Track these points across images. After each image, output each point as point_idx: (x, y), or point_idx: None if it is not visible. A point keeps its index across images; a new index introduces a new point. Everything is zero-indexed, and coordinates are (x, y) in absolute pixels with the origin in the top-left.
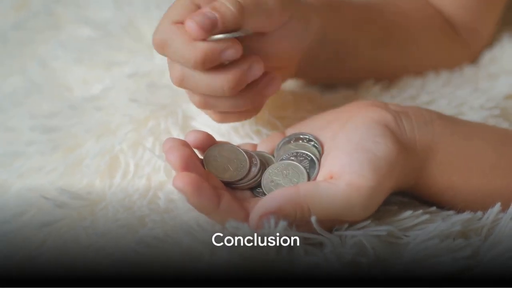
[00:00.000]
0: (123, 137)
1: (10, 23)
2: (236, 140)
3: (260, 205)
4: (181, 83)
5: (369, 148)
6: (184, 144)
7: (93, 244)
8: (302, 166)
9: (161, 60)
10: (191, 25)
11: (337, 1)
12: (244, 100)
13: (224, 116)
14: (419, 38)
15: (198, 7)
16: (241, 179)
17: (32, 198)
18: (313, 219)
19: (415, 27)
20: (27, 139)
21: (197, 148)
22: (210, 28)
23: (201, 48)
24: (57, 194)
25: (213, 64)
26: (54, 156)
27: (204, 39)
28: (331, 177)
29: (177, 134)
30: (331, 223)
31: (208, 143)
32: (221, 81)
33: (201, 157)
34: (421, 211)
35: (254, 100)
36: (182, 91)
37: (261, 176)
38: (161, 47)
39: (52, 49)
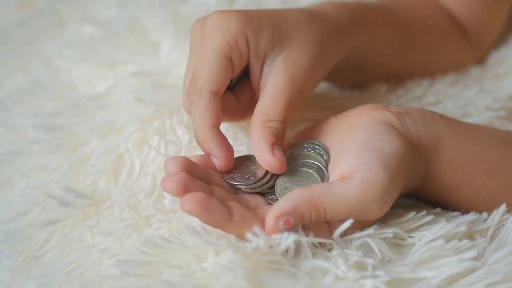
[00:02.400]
0: (128, 136)
1: (13, 21)
2: (242, 139)
3: (276, 207)
4: None
5: (377, 146)
6: (180, 167)
7: (98, 244)
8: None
9: (165, 59)
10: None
11: (357, 11)
12: None
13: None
14: (429, 40)
15: (230, 62)
16: (255, 183)
17: (36, 197)
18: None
19: (425, 30)
20: (31, 138)
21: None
22: None
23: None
24: (62, 192)
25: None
26: (58, 155)
27: None
28: (343, 178)
29: (182, 133)
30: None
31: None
32: None
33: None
34: (425, 212)
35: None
36: None
37: (274, 181)
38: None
39: (56, 48)
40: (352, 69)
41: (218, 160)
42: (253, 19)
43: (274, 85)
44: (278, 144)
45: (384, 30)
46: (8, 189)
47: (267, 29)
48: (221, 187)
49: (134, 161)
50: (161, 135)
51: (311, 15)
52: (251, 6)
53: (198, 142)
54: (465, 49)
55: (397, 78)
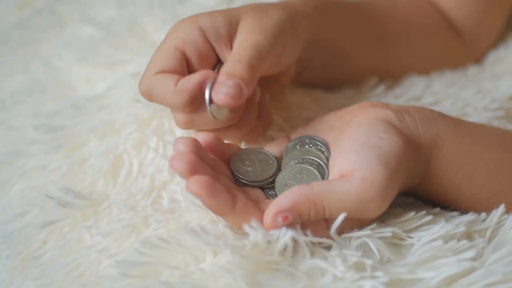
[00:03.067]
0: (127, 137)
1: (13, 21)
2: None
3: (275, 203)
4: (188, 126)
5: (376, 144)
6: (189, 148)
7: (97, 244)
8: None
9: None
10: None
11: (326, 3)
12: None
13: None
14: (419, 36)
15: (183, 54)
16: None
17: (35, 198)
18: (332, 229)
19: (410, 26)
20: (30, 138)
21: (208, 149)
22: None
23: (186, 91)
24: (61, 193)
25: (198, 102)
26: (57, 155)
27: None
28: (343, 176)
29: (181, 134)
30: (344, 224)
31: (218, 144)
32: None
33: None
34: (424, 212)
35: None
36: None
37: (274, 176)
38: (148, 97)
39: (56, 48)
40: (323, 67)
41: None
42: (205, 14)
43: (238, 43)
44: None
45: (350, 22)
46: (7, 189)
47: (221, 15)
48: (225, 176)
49: (132, 161)
50: (159, 136)
51: (275, 3)
52: None
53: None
54: (458, 48)
55: (386, 75)
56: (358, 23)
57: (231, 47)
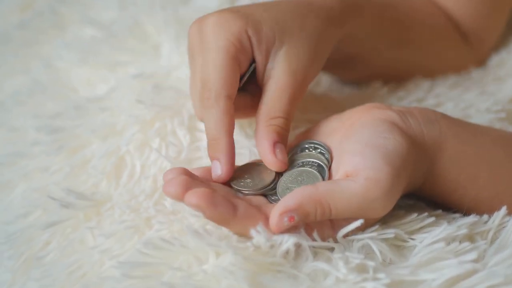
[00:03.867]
0: (129, 138)
1: (14, 22)
2: (243, 141)
3: (280, 204)
4: None
5: (380, 144)
6: (181, 172)
7: (99, 245)
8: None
9: (166, 61)
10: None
11: (356, 5)
12: None
13: None
14: (428, 40)
15: (239, 64)
16: (261, 188)
17: (37, 199)
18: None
19: (424, 29)
20: (31, 139)
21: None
22: None
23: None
24: (63, 194)
25: None
26: (59, 156)
27: None
28: (348, 177)
29: (183, 134)
30: (348, 223)
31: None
32: None
33: None
34: (426, 213)
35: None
36: (187, 92)
37: (276, 183)
38: (200, 119)
39: (57, 49)
40: (344, 63)
41: (222, 167)
42: (250, 16)
43: (276, 81)
44: (281, 143)
45: (377, 23)
46: (9, 190)
47: (266, 23)
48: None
49: (135, 163)
50: (162, 137)
51: (305, 4)
52: None
53: (210, 146)
54: (464, 51)
55: (394, 76)
56: (380, 24)
57: (267, 57)
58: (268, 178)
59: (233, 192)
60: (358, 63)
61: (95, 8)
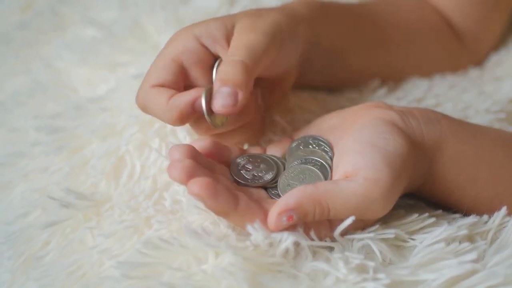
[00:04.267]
0: (129, 138)
1: (15, 23)
2: None
3: (279, 203)
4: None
5: (380, 145)
6: (185, 155)
7: (99, 245)
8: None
9: None
10: None
11: (326, 7)
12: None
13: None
14: (420, 40)
15: (180, 65)
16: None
17: (37, 199)
18: (336, 231)
19: (415, 30)
20: (31, 140)
21: (207, 155)
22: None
23: (176, 109)
24: (63, 194)
25: (191, 118)
26: (59, 156)
27: None
28: (347, 177)
29: (184, 135)
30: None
31: (216, 148)
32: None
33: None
34: (427, 214)
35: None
36: None
37: (276, 177)
38: (143, 109)
39: (57, 50)
40: (323, 69)
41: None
42: (198, 23)
43: (232, 43)
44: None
45: (350, 26)
46: (8, 190)
47: (214, 21)
48: (225, 177)
49: (134, 163)
50: (161, 137)
51: (273, 7)
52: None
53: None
54: (459, 52)
55: (382, 76)
56: (357, 27)
57: (228, 47)
58: (271, 172)
59: (233, 184)
60: (333, 68)
61: (96, 9)
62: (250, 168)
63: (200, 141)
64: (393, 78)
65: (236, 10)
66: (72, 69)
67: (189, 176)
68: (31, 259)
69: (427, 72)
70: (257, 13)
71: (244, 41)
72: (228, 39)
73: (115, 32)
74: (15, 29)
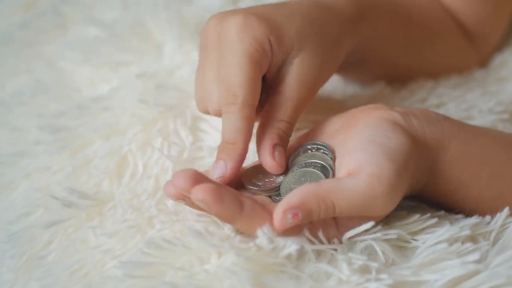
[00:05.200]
0: (131, 138)
1: (17, 23)
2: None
3: (284, 201)
4: None
5: (382, 142)
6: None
7: (101, 245)
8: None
9: (169, 60)
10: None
11: (370, 8)
12: None
13: None
14: (434, 41)
15: (260, 71)
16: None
17: (39, 198)
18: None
19: (431, 29)
20: (34, 139)
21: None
22: None
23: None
24: (65, 193)
25: None
26: (61, 156)
27: None
28: (350, 174)
29: (186, 134)
30: (352, 223)
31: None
32: None
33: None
34: (429, 214)
35: None
36: (190, 92)
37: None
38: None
39: (59, 49)
40: (353, 64)
41: (228, 170)
42: (274, 22)
43: (286, 86)
44: (280, 145)
45: (391, 23)
46: (11, 190)
47: (287, 30)
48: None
49: (137, 162)
50: (164, 137)
51: (323, 8)
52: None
53: (224, 147)
54: (468, 50)
55: (400, 76)
56: (393, 25)
57: (283, 62)
58: (277, 181)
59: (237, 191)
60: (370, 63)
61: (98, 8)
62: (258, 177)
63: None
64: (404, 78)
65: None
66: (75, 68)
67: (194, 182)
68: (34, 259)
69: (437, 71)
70: (319, 31)
71: (295, 105)
72: (286, 54)
73: (118, 32)
74: (16, 29)
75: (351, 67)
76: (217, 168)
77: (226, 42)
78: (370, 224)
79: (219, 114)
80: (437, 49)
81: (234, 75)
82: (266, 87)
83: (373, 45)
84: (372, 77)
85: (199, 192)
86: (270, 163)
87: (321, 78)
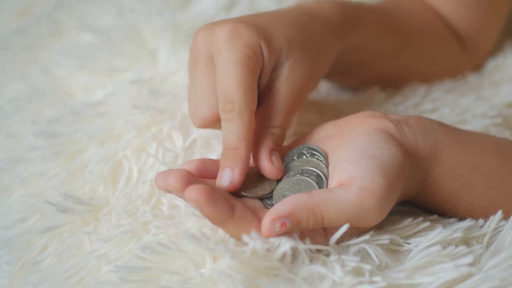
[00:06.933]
0: (126, 143)
1: (12, 29)
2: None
3: (273, 210)
4: None
5: (375, 154)
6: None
7: (96, 250)
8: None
9: (163, 67)
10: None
11: (356, 17)
12: None
13: None
14: (426, 46)
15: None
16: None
17: (34, 204)
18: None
19: (422, 35)
20: (29, 145)
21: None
22: None
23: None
24: (61, 199)
25: None
26: (56, 161)
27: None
28: (341, 185)
29: (180, 139)
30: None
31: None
32: None
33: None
34: (421, 218)
35: None
36: (184, 97)
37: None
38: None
39: (54, 55)
40: (343, 70)
41: (234, 177)
42: (262, 28)
43: (277, 92)
44: (276, 150)
45: (377, 31)
46: (6, 195)
47: (276, 36)
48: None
49: (132, 167)
50: (158, 142)
51: (311, 16)
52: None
53: (227, 154)
54: (461, 56)
55: (391, 82)
56: (381, 31)
57: (272, 67)
58: (270, 185)
59: (229, 194)
60: (357, 70)
61: (93, 15)
62: (248, 179)
63: (190, 163)
64: (400, 83)
65: (233, 16)
66: (70, 74)
67: (187, 183)
68: (29, 264)
69: (429, 76)
70: (307, 37)
71: (287, 110)
72: (275, 60)
73: (112, 38)
74: (12, 35)
75: (337, 73)
76: (224, 175)
77: (218, 52)
78: (346, 226)
79: (215, 126)
80: (428, 55)
81: (230, 83)
82: (259, 92)
83: (359, 52)
84: (358, 83)
85: (193, 193)
86: (269, 168)
87: (310, 82)
